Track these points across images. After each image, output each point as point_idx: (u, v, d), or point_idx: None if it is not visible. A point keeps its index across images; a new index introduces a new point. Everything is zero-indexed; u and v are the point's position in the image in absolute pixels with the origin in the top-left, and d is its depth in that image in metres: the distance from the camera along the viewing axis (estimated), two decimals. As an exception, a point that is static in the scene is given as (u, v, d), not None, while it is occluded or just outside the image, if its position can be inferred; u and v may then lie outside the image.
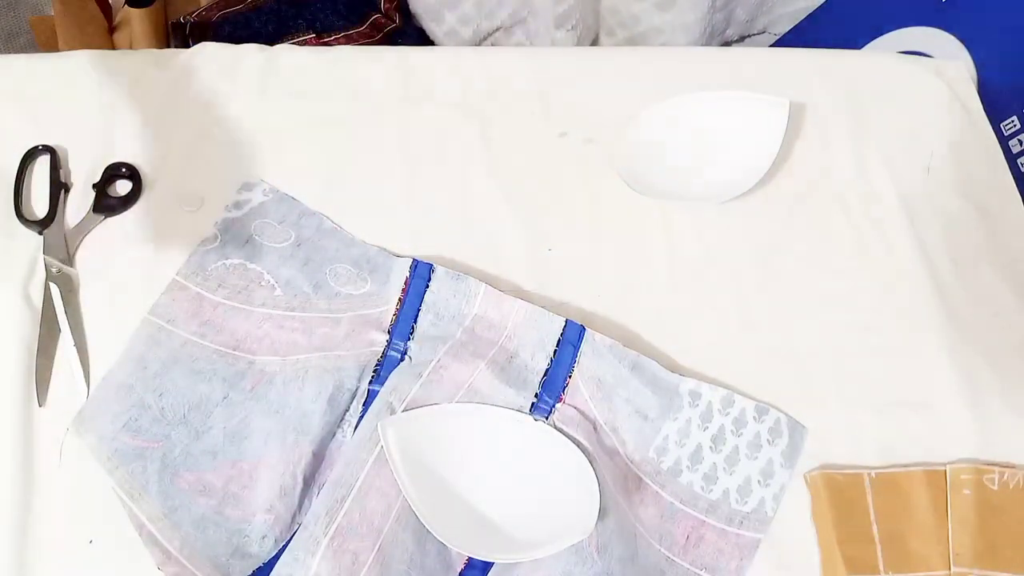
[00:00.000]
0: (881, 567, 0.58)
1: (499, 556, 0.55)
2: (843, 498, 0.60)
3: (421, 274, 0.65)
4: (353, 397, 0.61)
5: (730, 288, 0.70)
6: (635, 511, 0.58)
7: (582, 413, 0.61)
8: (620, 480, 0.59)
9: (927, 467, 0.62)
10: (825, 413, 0.64)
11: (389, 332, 0.64)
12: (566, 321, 0.63)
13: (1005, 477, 0.61)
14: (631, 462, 0.60)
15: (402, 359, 0.63)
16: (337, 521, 0.54)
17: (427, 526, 0.54)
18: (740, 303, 0.69)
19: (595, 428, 0.61)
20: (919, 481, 0.61)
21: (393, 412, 0.58)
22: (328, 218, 0.69)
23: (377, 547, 0.54)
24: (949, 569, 0.58)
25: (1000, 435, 0.64)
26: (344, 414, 0.60)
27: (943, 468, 0.61)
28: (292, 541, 0.54)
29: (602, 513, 0.55)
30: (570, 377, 0.62)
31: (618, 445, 0.61)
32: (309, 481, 0.58)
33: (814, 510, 0.60)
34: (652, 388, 0.62)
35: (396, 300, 0.65)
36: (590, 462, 0.57)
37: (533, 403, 0.61)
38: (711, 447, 0.61)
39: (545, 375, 0.62)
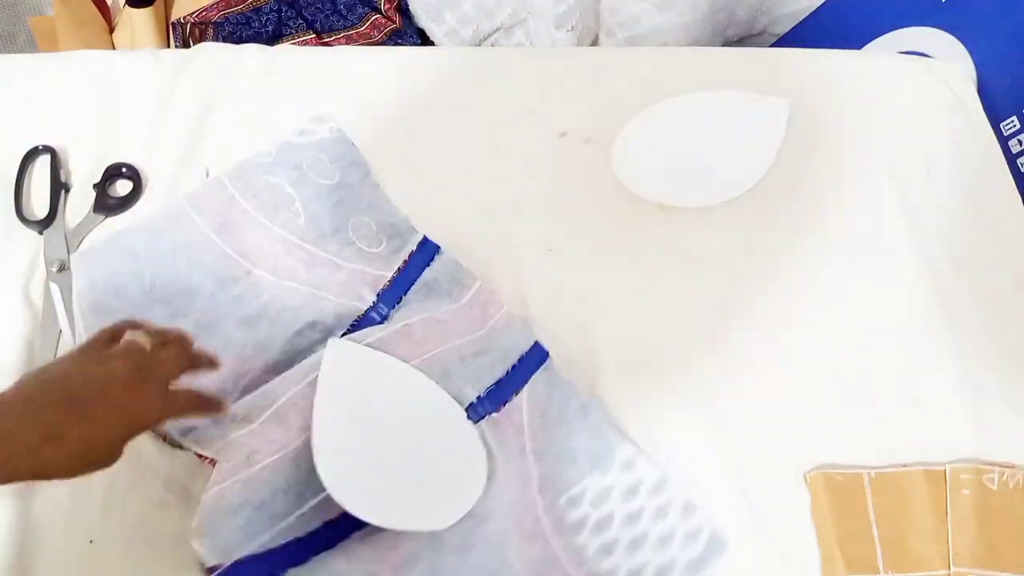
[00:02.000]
0: (881, 566, 0.58)
1: (364, 514, 0.53)
2: (843, 498, 0.60)
3: (427, 252, 0.67)
4: (320, 342, 0.61)
5: (729, 288, 0.70)
6: (520, 544, 0.56)
7: (514, 432, 0.60)
8: (519, 510, 0.57)
9: (927, 467, 0.62)
10: (825, 413, 0.64)
11: (378, 295, 0.65)
12: (535, 342, 0.63)
13: (1005, 477, 0.61)
14: (539, 497, 0.58)
15: (380, 323, 0.63)
16: (252, 425, 0.55)
17: (316, 464, 0.52)
18: (739, 303, 0.69)
19: (520, 451, 0.59)
20: (919, 481, 0.61)
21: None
22: (372, 173, 0.72)
23: (276, 456, 0.54)
24: (949, 568, 0.58)
25: (1000, 435, 0.64)
26: (306, 353, 0.61)
27: (943, 468, 0.61)
28: (209, 425, 0.56)
29: (479, 519, 0.54)
30: (516, 395, 0.61)
31: (534, 477, 0.59)
32: (247, 394, 0.58)
33: (814, 509, 0.60)
34: (591, 436, 0.60)
35: (396, 269, 0.66)
36: (489, 475, 0.56)
37: (472, 403, 0.60)
38: (622, 522, 0.58)
39: (496, 384, 0.61)
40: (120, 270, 0.62)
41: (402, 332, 0.61)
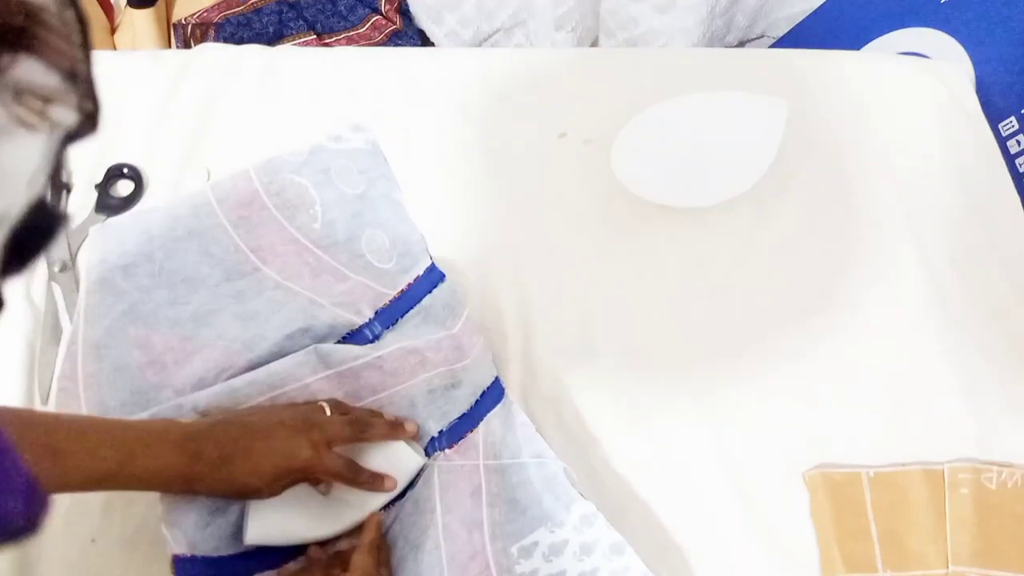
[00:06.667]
0: (879, 565, 0.58)
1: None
2: (842, 497, 0.60)
3: (431, 279, 0.66)
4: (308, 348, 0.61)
5: (728, 288, 0.70)
6: None
7: (468, 472, 0.58)
8: (464, 558, 0.55)
9: (925, 466, 0.62)
10: (824, 412, 0.64)
11: (376, 313, 0.64)
12: (495, 378, 0.62)
13: (1003, 476, 0.61)
14: (490, 544, 0.56)
15: (372, 341, 0.63)
16: None
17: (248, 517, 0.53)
18: (739, 303, 0.69)
19: (473, 494, 0.57)
20: (917, 480, 0.61)
21: (327, 366, 0.58)
22: (400, 191, 0.71)
23: None
24: (947, 567, 0.58)
25: (998, 434, 0.64)
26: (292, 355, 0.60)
27: (941, 467, 0.62)
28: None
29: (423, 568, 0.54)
30: (471, 432, 0.60)
31: (486, 522, 0.56)
32: None
33: (813, 509, 0.60)
34: (544, 487, 0.57)
35: (399, 290, 0.66)
36: (432, 524, 0.56)
37: (434, 437, 0.60)
38: None
39: (458, 419, 0.60)
40: (133, 249, 0.63)
41: (374, 363, 0.60)
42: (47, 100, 0.21)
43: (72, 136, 0.22)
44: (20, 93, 0.20)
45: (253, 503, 0.53)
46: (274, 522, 0.53)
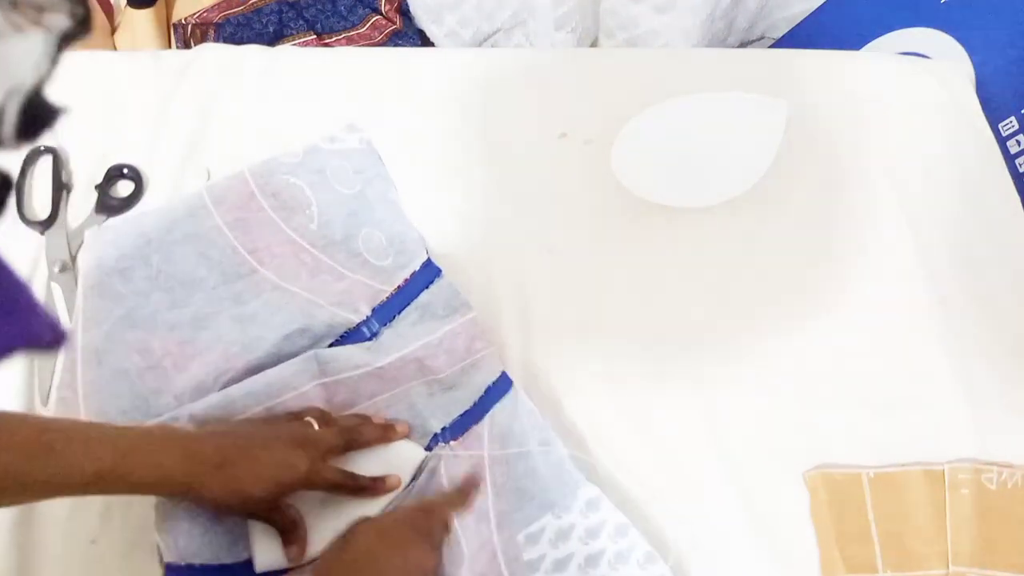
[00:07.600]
0: (880, 566, 0.58)
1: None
2: (842, 497, 0.60)
3: (428, 274, 0.66)
4: (307, 348, 0.61)
5: (728, 288, 0.70)
6: (473, 569, 0.55)
7: (472, 466, 0.58)
8: (472, 548, 0.55)
9: (925, 466, 0.62)
10: (824, 412, 0.64)
11: (373, 310, 0.64)
12: (502, 372, 0.62)
13: (1003, 476, 0.61)
14: (497, 533, 0.56)
15: (370, 339, 0.63)
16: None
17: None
18: (739, 303, 0.69)
19: (478, 487, 0.58)
20: (917, 480, 0.61)
21: (325, 373, 0.58)
22: (396, 190, 0.71)
23: None
24: (947, 568, 0.58)
25: (998, 434, 0.64)
26: (292, 356, 0.60)
27: (941, 467, 0.62)
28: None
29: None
30: (477, 423, 0.60)
31: (492, 513, 0.57)
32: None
33: (813, 509, 0.60)
34: (551, 474, 0.58)
35: (396, 286, 0.66)
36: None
37: (436, 434, 0.60)
38: (581, 564, 0.56)
39: (461, 416, 0.61)
40: (130, 253, 0.63)
41: (374, 374, 0.60)
42: (40, 9, 0.24)
43: (68, 37, 0.25)
44: (16, 3, 0.23)
45: (255, 531, 0.53)
46: (280, 544, 0.53)
